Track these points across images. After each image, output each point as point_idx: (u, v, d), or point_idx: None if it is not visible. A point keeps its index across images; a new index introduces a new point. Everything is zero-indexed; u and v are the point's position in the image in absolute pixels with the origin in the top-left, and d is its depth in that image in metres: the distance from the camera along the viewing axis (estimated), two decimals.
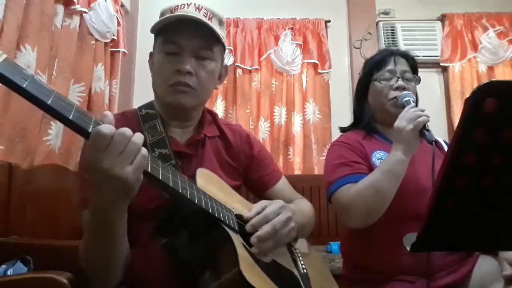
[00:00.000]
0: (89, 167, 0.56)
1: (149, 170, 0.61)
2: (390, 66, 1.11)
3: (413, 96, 1.06)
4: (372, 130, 1.14)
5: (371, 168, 1.04)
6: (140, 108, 0.93)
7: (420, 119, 0.94)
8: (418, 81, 1.14)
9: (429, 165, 0.90)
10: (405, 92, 1.06)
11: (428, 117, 0.95)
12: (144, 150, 0.58)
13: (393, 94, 1.08)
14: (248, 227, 0.76)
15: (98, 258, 0.70)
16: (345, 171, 1.02)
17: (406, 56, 1.15)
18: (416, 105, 1.14)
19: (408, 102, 1.03)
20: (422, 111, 0.96)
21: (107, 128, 0.55)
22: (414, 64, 1.15)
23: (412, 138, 0.95)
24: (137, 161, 0.57)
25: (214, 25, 0.86)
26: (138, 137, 0.58)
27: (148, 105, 0.94)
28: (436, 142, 1.05)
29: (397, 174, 0.95)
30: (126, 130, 0.57)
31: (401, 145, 0.96)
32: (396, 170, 0.95)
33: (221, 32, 0.88)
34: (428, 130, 0.95)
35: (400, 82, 1.09)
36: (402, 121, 0.96)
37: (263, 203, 0.82)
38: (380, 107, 1.12)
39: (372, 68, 1.15)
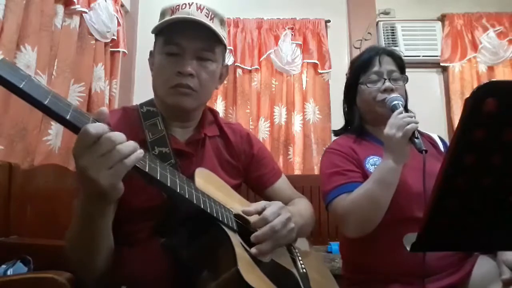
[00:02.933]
0: (74, 159, 0.56)
1: (147, 170, 0.61)
2: (376, 68, 1.09)
3: (402, 100, 1.03)
4: (362, 133, 1.13)
5: (365, 174, 1.03)
6: (141, 105, 0.92)
7: (408, 126, 0.91)
8: (406, 80, 1.11)
9: (422, 170, 0.88)
10: (393, 95, 1.04)
11: (417, 123, 0.93)
12: (129, 161, 0.56)
13: (381, 96, 1.06)
14: (251, 226, 0.76)
15: (79, 247, 0.69)
16: (339, 180, 1.02)
17: (392, 54, 1.12)
18: (406, 104, 1.13)
19: (396, 107, 1.00)
20: (411, 116, 0.94)
21: (96, 127, 0.54)
22: (401, 63, 1.12)
23: (402, 146, 0.93)
24: (116, 168, 0.55)
25: (215, 25, 0.86)
26: (127, 146, 0.56)
27: (149, 103, 0.93)
28: (431, 143, 1.04)
29: (390, 183, 0.94)
30: (116, 136, 0.55)
31: (392, 153, 0.94)
32: (389, 179, 0.94)
33: (222, 33, 0.88)
34: (417, 138, 0.92)
35: (388, 84, 1.06)
36: (392, 129, 0.93)
37: (262, 203, 0.81)
38: (369, 110, 1.11)
39: (359, 70, 1.12)
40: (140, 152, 0.58)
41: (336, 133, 1.23)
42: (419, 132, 0.95)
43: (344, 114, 1.22)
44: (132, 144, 0.57)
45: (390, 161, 0.94)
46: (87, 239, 0.67)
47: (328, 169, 1.07)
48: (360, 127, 1.14)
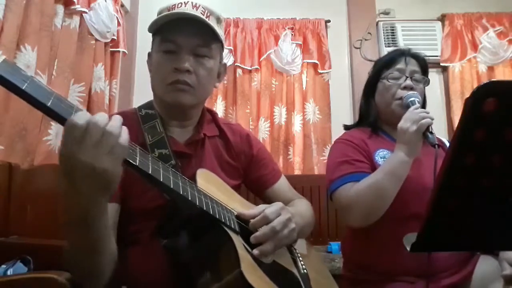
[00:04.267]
0: (64, 161, 0.53)
1: (150, 172, 0.61)
2: (400, 65, 1.10)
3: (419, 97, 1.05)
4: (377, 129, 1.14)
5: (374, 167, 1.03)
6: (139, 108, 0.93)
7: (423, 121, 0.93)
8: (427, 82, 1.13)
9: (432, 166, 0.89)
10: (410, 92, 1.05)
11: (433, 119, 0.94)
12: (122, 139, 0.55)
13: (400, 93, 1.07)
14: (250, 226, 0.76)
15: (82, 258, 0.65)
16: (347, 169, 1.02)
17: (417, 57, 1.14)
18: (424, 107, 1.14)
19: (413, 103, 1.02)
20: (427, 112, 0.95)
21: (79, 117, 0.52)
22: (424, 65, 1.14)
23: (416, 140, 0.94)
24: (115, 151, 0.54)
25: (211, 22, 0.86)
26: (114, 125, 0.54)
27: (148, 105, 0.93)
28: (440, 145, 1.04)
29: (399, 175, 0.94)
30: (100, 119, 0.53)
31: (404, 146, 0.95)
32: (398, 172, 0.94)
33: (218, 30, 0.88)
34: (431, 133, 0.94)
35: (408, 82, 1.08)
36: (406, 122, 0.95)
37: (262, 206, 0.81)
38: (386, 106, 1.12)
39: (382, 66, 1.14)
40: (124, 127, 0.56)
41: (347, 127, 1.24)
42: None
43: (360, 109, 1.23)
44: (115, 120, 0.55)
45: (402, 153, 0.95)
46: (89, 250, 0.63)
47: (336, 158, 1.07)
48: (375, 122, 1.14)
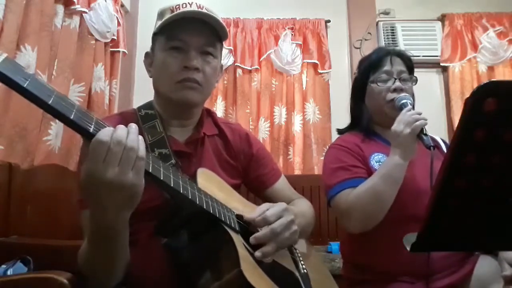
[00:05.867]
0: (89, 182, 0.55)
1: (151, 171, 0.61)
2: (387, 67, 1.09)
3: (410, 98, 1.04)
4: (371, 133, 1.13)
5: (369, 171, 1.03)
6: (139, 109, 0.93)
7: (417, 123, 0.92)
8: (415, 81, 1.12)
9: (428, 168, 0.89)
10: (402, 94, 1.05)
11: (426, 120, 0.94)
12: (142, 152, 0.57)
13: (390, 96, 1.07)
14: (251, 227, 0.76)
15: (100, 266, 0.69)
16: (344, 175, 1.02)
17: (402, 55, 1.13)
18: (413, 107, 1.14)
19: (405, 105, 1.01)
20: (419, 114, 0.95)
21: (103, 134, 0.54)
22: (410, 64, 1.13)
23: (410, 142, 0.94)
24: (137, 165, 0.56)
25: (215, 24, 0.87)
26: (133, 139, 0.57)
27: (147, 106, 0.94)
28: (435, 146, 1.05)
29: (396, 179, 0.94)
30: (120, 134, 0.55)
31: (399, 149, 0.95)
32: (395, 175, 0.94)
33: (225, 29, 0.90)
34: (426, 135, 0.94)
35: (397, 84, 1.07)
36: (400, 125, 0.94)
37: (265, 205, 0.81)
38: (378, 110, 1.11)
39: (368, 69, 1.13)
40: (141, 137, 0.59)
41: (341, 131, 1.23)
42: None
43: (350, 112, 1.22)
44: (133, 136, 0.57)
45: (397, 157, 0.94)
46: (109, 259, 0.67)
47: (332, 163, 1.07)
48: (368, 126, 1.14)
